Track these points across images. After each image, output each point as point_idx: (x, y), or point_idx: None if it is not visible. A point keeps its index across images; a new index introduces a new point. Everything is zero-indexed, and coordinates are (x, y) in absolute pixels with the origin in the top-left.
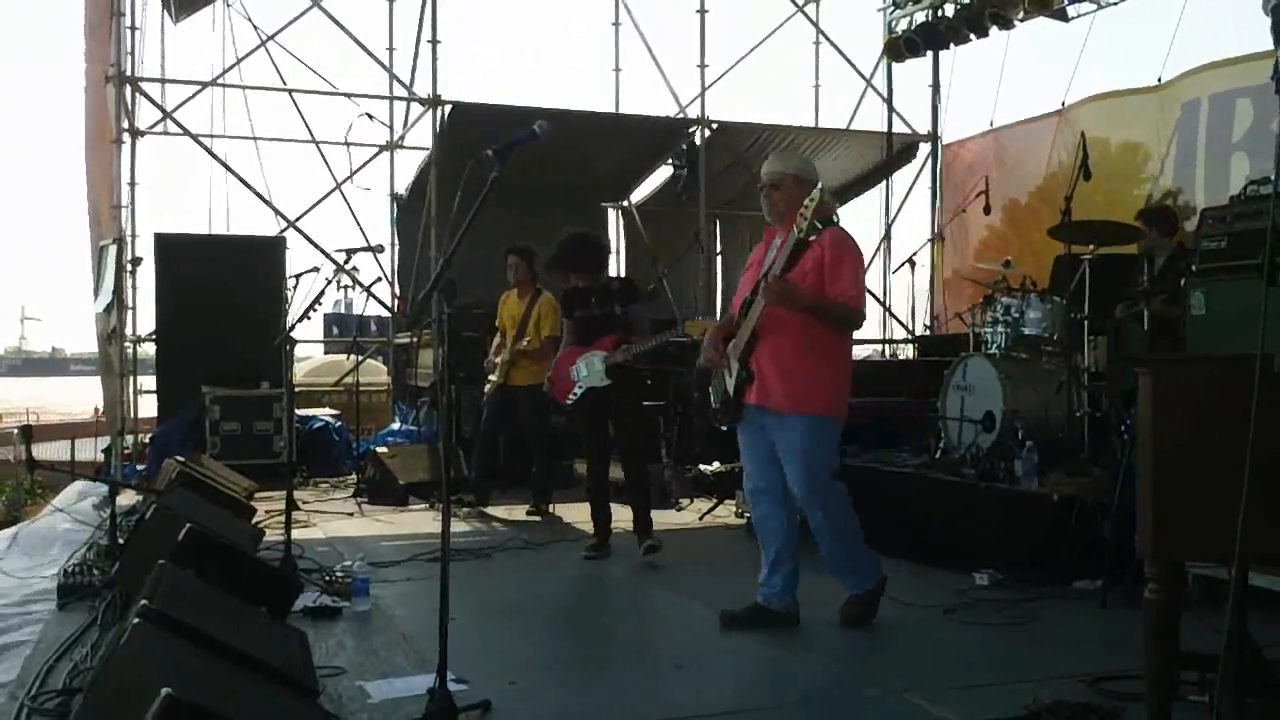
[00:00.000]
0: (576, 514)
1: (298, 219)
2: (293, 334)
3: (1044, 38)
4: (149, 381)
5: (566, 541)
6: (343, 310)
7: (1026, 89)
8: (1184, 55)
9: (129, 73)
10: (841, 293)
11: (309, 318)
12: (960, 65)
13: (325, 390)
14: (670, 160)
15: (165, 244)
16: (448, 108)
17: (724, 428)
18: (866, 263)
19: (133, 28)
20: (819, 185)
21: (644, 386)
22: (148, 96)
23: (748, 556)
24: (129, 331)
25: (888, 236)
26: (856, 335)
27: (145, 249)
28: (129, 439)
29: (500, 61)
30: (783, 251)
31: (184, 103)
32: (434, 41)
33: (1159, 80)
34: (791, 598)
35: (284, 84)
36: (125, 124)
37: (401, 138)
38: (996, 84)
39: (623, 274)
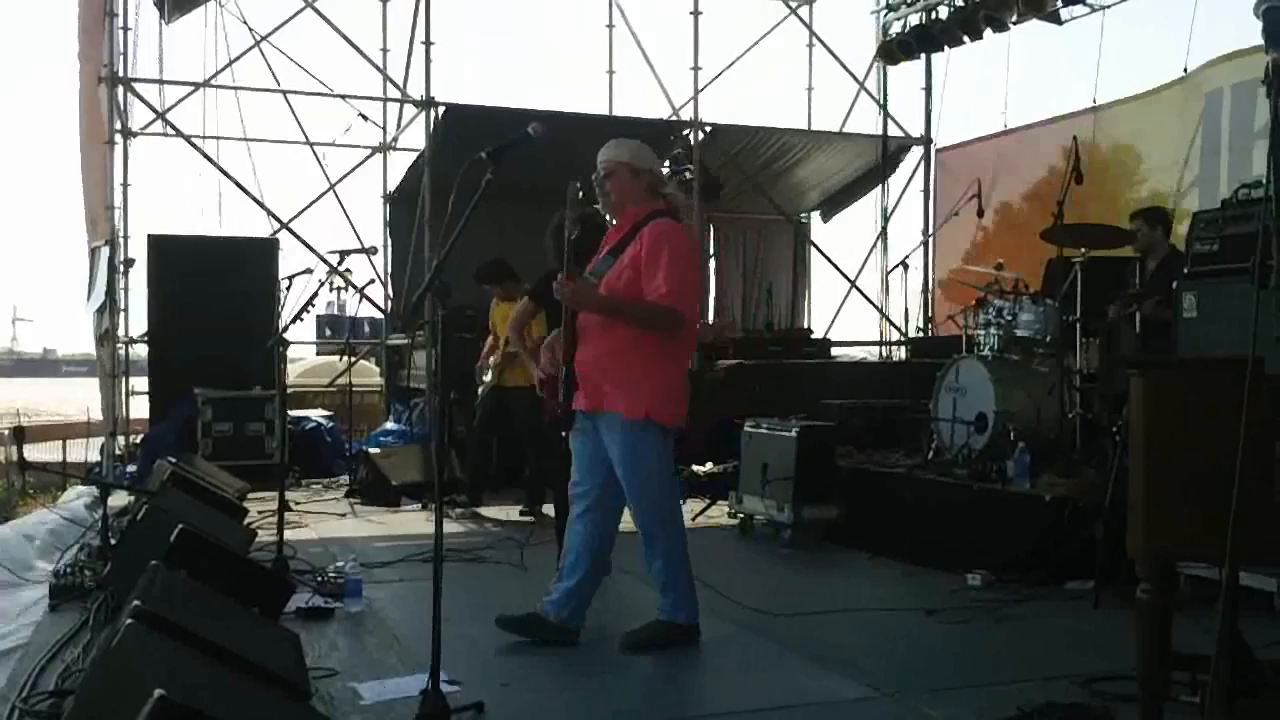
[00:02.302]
0: None
1: (290, 220)
2: (285, 335)
3: (1042, 41)
4: (141, 383)
5: (559, 543)
6: (336, 311)
7: (1024, 93)
8: (1179, 57)
9: (122, 73)
10: (653, 290)
11: (302, 319)
12: (959, 68)
13: (318, 391)
14: (672, 165)
15: (158, 245)
16: (441, 109)
17: (563, 433)
18: (860, 264)
19: (125, 28)
20: (577, 183)
21: None
22: (140, 97)
23: (741, 557)
24: (121, 333)
25: (884, 238)
26: (851, 335)
27: (138, 250)
28: (121, 440)
29: (494, 63)
30: (607, 246)
31: (177, 103)
32: (428, 43)
33: (1185, 71)
34: (569, 612)
35: (277, 85)
36: (118, 125)
37: (395, 139)
38: (1001, 88)
39: None
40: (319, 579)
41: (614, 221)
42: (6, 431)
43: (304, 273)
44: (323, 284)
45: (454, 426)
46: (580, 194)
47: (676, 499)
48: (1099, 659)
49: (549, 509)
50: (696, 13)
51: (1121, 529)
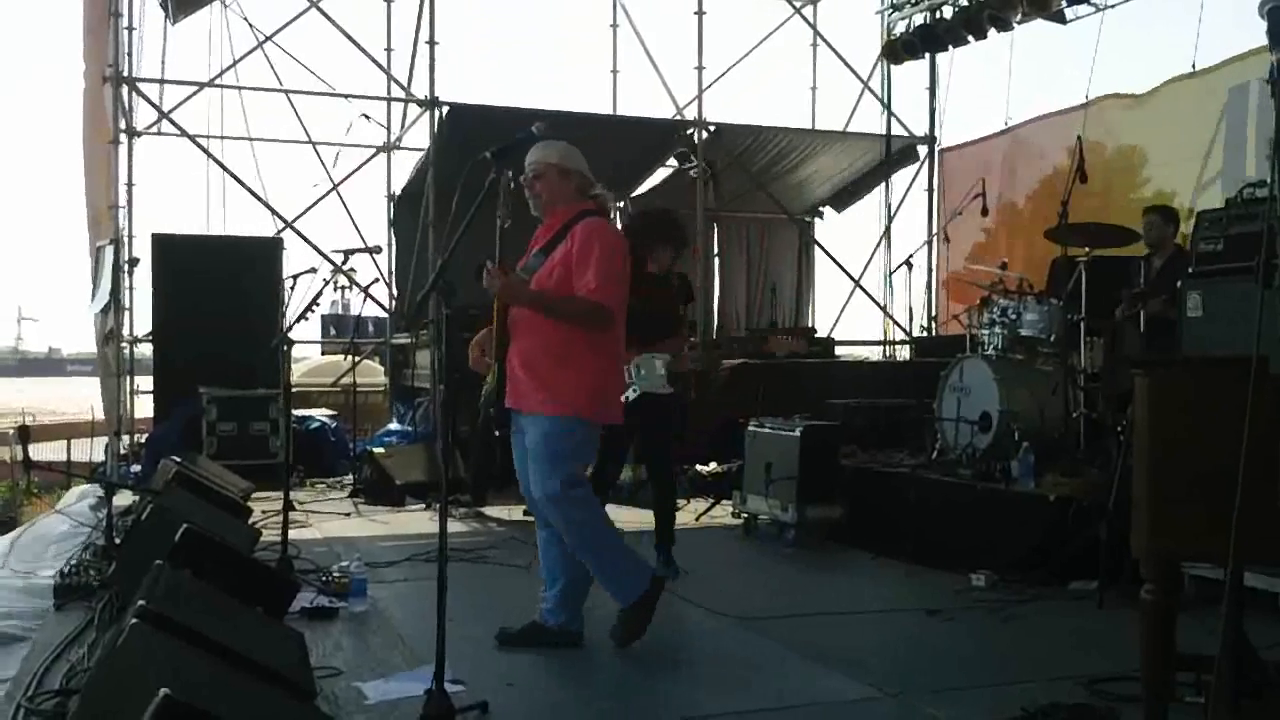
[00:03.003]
0: None
1: (295, 220)
2: (290, 335)
3: (1045, 41)
4: (146, 382)
5: None
6: (340, 311)
7: (1028, 92)
8: (1186, 54)
9: (126, 73)
10: (583, 287)
11: (306, 318)
12: (963, 67)
13: (322, 390)
14: (683, 165)
15: (162, 244)
16: (445, 109)
17: (496, 433)
18: (864, 263)
19: (130, 28)
20: (509, 173)
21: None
22: (145, 97)
23: (744, 557)
24: (126, 332)
25: (888, 238)
26: (855, 335)
27: (142, 249)
28: (125, 439)
29: (498, 63)
30: (537, 245)
31: (181, 103)
32: (432, 43)
33: (1193, 67)
34: (566, 616)
35: (281, 85)
36: (122, 124)
37: (399, 139)
38: (1005, 87)
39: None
40: (323, 578)
41: (544, 221)
42: (11, 431)
43: (308, 272)
44: (327, 283)
45: (457, 426)
46: (512, 185)
47: (590, 498)
48: (1103, 659)
49: None
50: (701, 12)
51: (1125, 529)
